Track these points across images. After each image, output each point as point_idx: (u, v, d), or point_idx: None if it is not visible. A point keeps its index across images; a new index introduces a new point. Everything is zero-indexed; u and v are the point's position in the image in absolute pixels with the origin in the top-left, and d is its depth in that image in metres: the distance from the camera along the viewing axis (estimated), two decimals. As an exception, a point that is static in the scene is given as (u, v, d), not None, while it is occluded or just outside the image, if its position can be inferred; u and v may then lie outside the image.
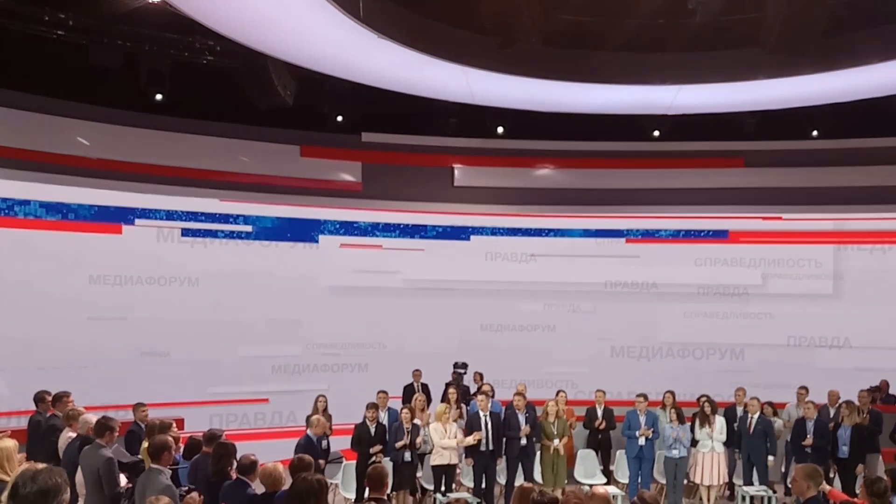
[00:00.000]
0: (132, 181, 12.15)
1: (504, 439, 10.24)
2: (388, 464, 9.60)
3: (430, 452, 9.95)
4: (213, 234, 13.22)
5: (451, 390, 11.13)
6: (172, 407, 11.24)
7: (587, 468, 10.93)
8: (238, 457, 6.28)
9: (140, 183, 12.26)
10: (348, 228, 14.10)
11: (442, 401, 11.34)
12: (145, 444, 6.72)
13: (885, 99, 11.36)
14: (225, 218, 13.29)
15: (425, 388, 11.97)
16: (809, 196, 13.84)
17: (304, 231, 13.85)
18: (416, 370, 12.24)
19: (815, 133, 13.32)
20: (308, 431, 9.28)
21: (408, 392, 11.84)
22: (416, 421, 10.03)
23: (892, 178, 13.55)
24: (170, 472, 6.00)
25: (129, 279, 12.40)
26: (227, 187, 12.89)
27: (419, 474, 10.32)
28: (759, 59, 9.39)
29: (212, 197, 12.93)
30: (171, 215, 12.87)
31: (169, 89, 11.17)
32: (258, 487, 5.98)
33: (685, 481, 10.59)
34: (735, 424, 10.66)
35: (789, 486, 9.72)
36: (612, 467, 11.09)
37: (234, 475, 6.17)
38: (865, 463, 10.03)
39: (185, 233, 13.03)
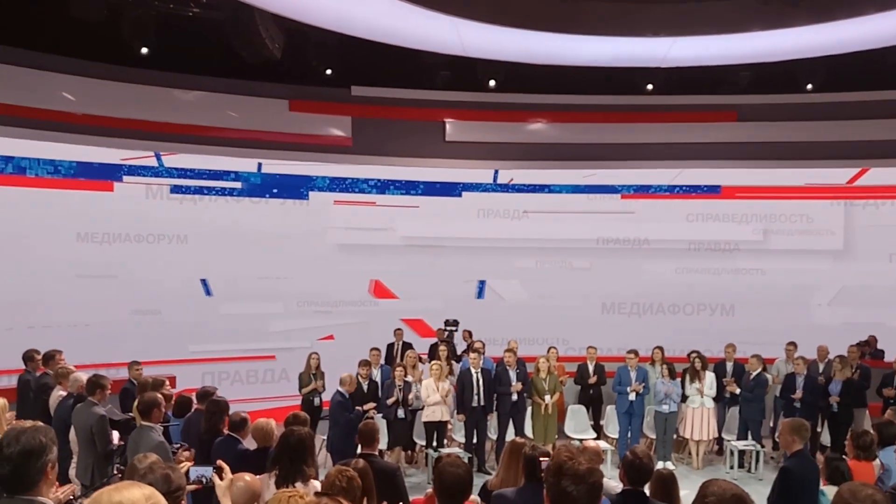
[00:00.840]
0: (119, 137, 11.98)
1: (495, 395, 10.31)
2: (381, 421, 9.67)
3: (421, 409, 10.01)
4: (201, 190, 13.09)
5: (442, 347, 11.17)
6: (164, 365, 11.25)
7: (578, 423, 11.03)
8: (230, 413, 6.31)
9: (127, 139, 12.09)
10: (339, 184, 13.99)
11: (431, 359, 11.38)
12: (136, 402, 6.71)
13: (880, 51, 11.20)
14: (214, 174, 13.15)
15: (407, 347, 11.99)
16: (803, 150, 13.74)
17: (293, 187, 13.73)
18: (398, 329, 12.24)
19: (809, 86, 13.15)
20: (339, 388, 9.28)
21: (389, 351, 11.84)
22: (408, 378, 10.07)
23: (888, 132, 13.45)
24: (161, 428, 6.00)
25: (117, 237, 12.30)
26: (215, 143, 12.70)
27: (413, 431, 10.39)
28: (753, 10, 9.20)
29: (200, 153, 12.77)
30: (159, 172, 12.72)
31: (154, 43, 10.93)
32: (251, 444, 5.99)
33: (674, 436, 10.70)
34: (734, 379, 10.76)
35: (777, 440, 9.84)
36: (602, 422, 11.20)
37: (226, 432, 6.18)
38: (853, 417, 10.15)
39: (175, 190, 12.90)
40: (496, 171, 14.52)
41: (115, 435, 6.47)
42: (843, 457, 6.11)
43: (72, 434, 6.85)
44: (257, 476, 4.15)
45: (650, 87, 13.16)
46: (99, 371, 7.82)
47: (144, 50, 10.87)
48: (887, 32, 10.25)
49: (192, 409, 7.38)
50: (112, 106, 11.84)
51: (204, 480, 4.19)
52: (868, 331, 13.05)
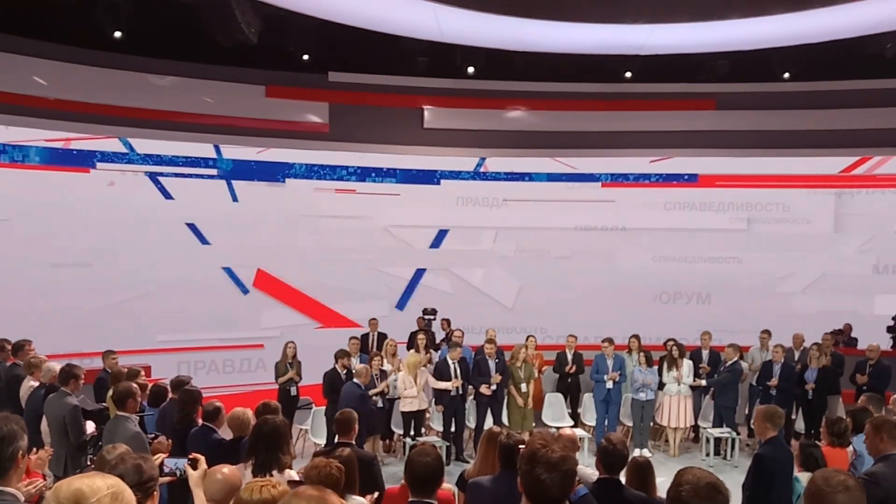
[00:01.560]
0: (92, 122, 11.79)
1: (473, 384, 10.31)
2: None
3: (398, 398, 9.99)
4: (177, 177, 12.93)
5: (421, 336, 11.14)
6: (140, 354, 11.14)
7: (555, 411, 11.04)
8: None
9: (101, 125, 11.91)
10: (316, 171, 13.88)
11: (409, 348, 11.36)
12: (111, 392, 6.62)
13: (856, 40, 11.28)
14: (190, 161, 12.99)
15: (383, 337, 11.96)
16: (781, 139, 13.82)
17: (270, 173, 13.60)
18: (373, 319, 12.19)
19: (786, 75, 13.21)
20: (356, 381, 9.18)
21: (364, 341, 11.78)
22: (385, 367, 10.04)
23: (863, 122, 13.55)
24: (137, 418, 5.91)
25: (91, 223, 12.11)
26: (190, 129, 12.56)
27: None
28: (731, -2, 9.24)
29: (175, 139, 12.60)
30: (133, 158, 12.54)
31: (128, 26, 10.74)
32: (226, 433, 5.93)
33: (651, 424, 10.76)
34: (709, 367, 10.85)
35: (752, 427, 9.91)
36: (579, 410, 11.22)
37: (200, 422, 6.12)
38: (827, 404, 10.26)
39: (148, 175, 12.73)
40: (482, 159, 14.47)
41: (90, 425, 6.38)
42: (818, 443, 6.16)
43: (43, 425, 6.74)
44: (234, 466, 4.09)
45: (629, 74, 13.17)
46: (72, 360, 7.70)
47: (118, 34, 10.68)
48: (862, 21, 10.32)
49: (168, 399, 7.30)
50: (85, 91, 11.66)
51: (178, 472, 4.13)
52: (843, 319, 13.18)
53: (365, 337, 11.95)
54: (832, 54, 12.11)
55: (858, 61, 12.56)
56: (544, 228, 14.61)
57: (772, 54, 12.34)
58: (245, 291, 13.45)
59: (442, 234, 14.57)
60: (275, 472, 4.41)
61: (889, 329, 12.83)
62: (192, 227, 12.94)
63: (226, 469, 3.76)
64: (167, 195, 12.84)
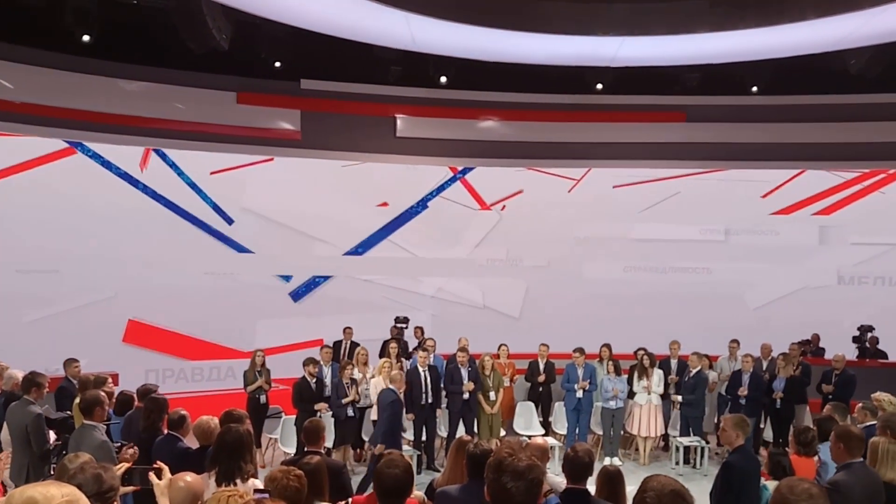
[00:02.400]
0: (60, 127, 11.63)
1: (444, 394, 10.29)
2: (329, 419, 9.58)
3: (370, 407, 9.92)
4: (145, 184, 12.78)
5: (393, 345, 11.10)
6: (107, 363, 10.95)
7: (526, 420, 11.07)
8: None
9: (69, 130, 11.74)
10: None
11: (381, 356, 11.31)
12: (77, 400, 6.51)
13: (822, 56, 11.48)
14: (160, 167, 12.83)
15: (355, 346, 11.88)
16: (749, 151, 14.01)
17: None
18: (347, 327, 12.13)
19: (755, 89, 13.42)
20: (391, 387, 8.98)
21: (336, 348, 11.70)
22: (356, 375, 9.98)
23: (831, 136, 13.79)
24: (104, 427, 5.81)
25: (59, 229, 11.91)
26: (160, 135, 12.44)
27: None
28: (701, 11, 9.36)
29: (145, 145, 12.45)
30: (101, 164, 12.37)
31: (97, 30, 10.63)
32: (193, 442, 5.84)
33: (622, 432, 10.81)
34: (677, 377, 10.92)
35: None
36: (551, 419, 11.24)
37: (165, 430, 6.03)
38: (795, 413, 10.38)
39: (117, 182, 12.55)
40: (466, 168, 14.49)
41: (52, 435, 6.26)
42: (786, 452, 6.22)
43: (4, 433, 6.60)
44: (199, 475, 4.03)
45: (601, 86, 13.28)
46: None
47: (86, 38, 10.56)
48: (827, 38, 10.53)
49: (134, 407, 7.19)
50: (52, 95, 11.51)
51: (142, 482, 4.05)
52: (811, 329, 13.34)
53: (337, 345, 11.89)
54: (799, 69, 12.35)
55: (824, 77, 12.79)
56: (518, 237, 14.64)
57: (741, 68, 12.54)
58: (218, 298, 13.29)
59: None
60: (238, 482, 4.36)
61: (854, 339, 13.01)
62: (162, 232, 12.75)
63: (188, 477, 3.70)
64: (136, 201, 12.66)
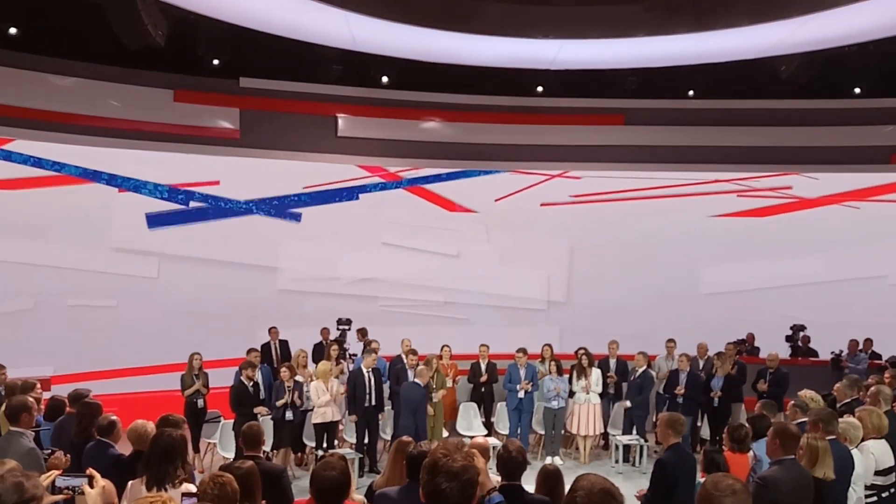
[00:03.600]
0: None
1: (388, 395, 10.25)
2: (268, 422, 9.44)
3: (311, 410, 9.81)
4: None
5: (335, 347, 11.01)
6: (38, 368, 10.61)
7: (469, 420, 11.09)
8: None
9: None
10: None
11: (317, 359, 11.21)
12: (2, 407, 6.28)
13: (754, 62, 11.81)
14: (89, 165, 12.49)
15: (284, 345, 11.74)
16: (686, 154, 14.28)
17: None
18: (273, 328, 11.99)
19: (691, 93, 13.71)
20: (416, 380, 9.52)
21: (265, 350, 11.55)
22: (298, 378, 9.86)
23: (763, 139, 14.16)
24: (32, 434, 5.62)
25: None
26: (94, 133, 12.08)
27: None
28: (638, 16, 9.51)
29: (77, 143, 12.07)
30: (31, 163, 11.96)
31: (25, 23, 10.26)
32: (127, 448, 5.68)
33: (563, 431, 10.91)
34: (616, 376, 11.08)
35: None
36: (493, 419, 11.28)
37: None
38: (731, 411, 10.61)
39: (49, 182, 12.17)
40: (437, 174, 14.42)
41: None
42: (721, 449, 6.35)
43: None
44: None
45: (541, 89, 13.39)
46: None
47: (13, 30, 10.19)
48: (757, 45, 10.85)
49: (65, 413, 6.96)
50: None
51: (74, 490, 3.91)
52: (746, 329, 13.65)
53: (266, 346, 11.73)
54: (733, 75, 12.65)
55: (756, 82, 13.13)
56: (460, 239, 14.67)
57: (678, 72, 12.79)
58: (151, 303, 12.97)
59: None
60: (168, 487, 4.28)
61: (787, 338, 13.37)
62: (93, 234, 12.40)
63: (103, 483, 3.62)
64: (67, 202, 12.29)
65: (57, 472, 4.15)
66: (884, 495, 5.66)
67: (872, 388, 6.92)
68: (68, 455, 5.61)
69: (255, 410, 9.41)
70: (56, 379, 10.86)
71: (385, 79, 12.84)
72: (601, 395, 10.88)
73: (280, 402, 9.54)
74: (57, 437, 6.66)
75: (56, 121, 11.76)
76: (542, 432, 10.94)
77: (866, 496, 5.56)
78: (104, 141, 12.23)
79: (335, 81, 13.05)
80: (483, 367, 11.27)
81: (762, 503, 4.48)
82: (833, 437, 5.34)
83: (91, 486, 3.66)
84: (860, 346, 12.52)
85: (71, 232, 12.27)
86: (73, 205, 12.36)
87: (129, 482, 4.59)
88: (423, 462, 2.72)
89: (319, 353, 11.53)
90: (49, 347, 11.56)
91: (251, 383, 9.63)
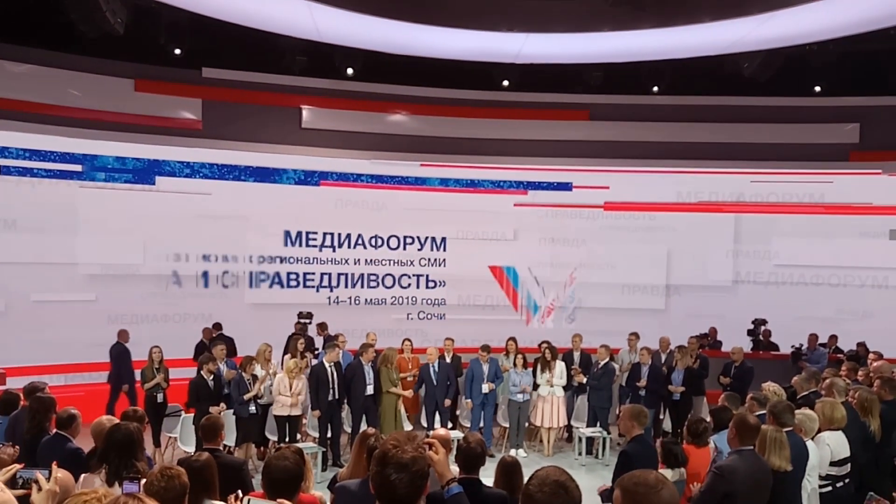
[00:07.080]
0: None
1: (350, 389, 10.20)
2: (230, 417, 9.33)
3: (271, 404, 9.73)
4: (35, 172, 12.12)
5: (301, 341, 10.93)
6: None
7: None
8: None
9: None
10: (188, 169, 13.33)
11: (286, 352, 11.10)
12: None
13: (717, 59, 11.92)
14: (49, 155, 12.20)
15: (225, 340, 11.57)
16: (650, 150, 14.37)
17: (139, 172, 12.97)
18: (206, 328, 11.87)
19: (655, 89, 13.79)
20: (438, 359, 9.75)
21: (199, 349, 11.37)
22: (257, 372, 9.75)
23: (726, 136, 14.30)
24: (-14, 428, 5.50)
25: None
26: (51, 121, 11.81)
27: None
28: (602, 11, 9.54)
29: (33, 132, 11.78)
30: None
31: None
32: (87, 442, 5.58)
33: (527, 424, 10.94)
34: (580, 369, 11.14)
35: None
36: (458, 412, 11.28)
37: (53, 430, 5.75)
38: (693, 404, 10.72)
39: (4, 170, 11.88)
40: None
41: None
42: (679, 441, 6.40)
43: None
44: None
45: (506, 83, 13.38)
46: None
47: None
48: (720, 41, 10.96)
49: (20, 407, 6.84)
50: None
51: (31, 483, 3.81)
52: (708, 323, 13.80)
53: (200, 344, 11.59)
54: (696, 71, 12.76)
55: (719, 79, 13.25)
56: (423, 233, 14.67)
57: (642, 68, 12.86)
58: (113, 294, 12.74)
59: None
60: (126, 482, 4.18)
61: (749, 332, 13.55)
62: (50, 225, 12.14)
63: (59, 474, 3.53)
64: (24, 191, 12.01)
65: (18, 466, 4.05)
66: (838, 485, 5.76)
67: (827, 381, 7.07)
68: (16, 447, 5.51)
69: (211, 409, 9.06)
70: (10, 371, 10.67)
71: (350, 70, 12.74)
72: (565, 388, 10.93)
73: (247, 396, 9.44)
74: (12, 431, 6.55)
75: (11, 108, 11.47)
76: (507, 425, 10.96)
77: (821, 486, 5.65)
78: (63, 130, 11.95)
79: (300, 73, 12.91)
80: (448, 359, 11.21)
81: (717, 493, 4.54)
82: (789, 428, 5.41)
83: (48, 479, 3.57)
84: (820, 340, 12.73)
85: (31, 223, 11.99)
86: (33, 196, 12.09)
87: (82, 475, 4.49)
88: (374, 453, 2.69)
89: (200, 351, 11.12)
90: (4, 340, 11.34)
91: (211, 377, 9.50)
